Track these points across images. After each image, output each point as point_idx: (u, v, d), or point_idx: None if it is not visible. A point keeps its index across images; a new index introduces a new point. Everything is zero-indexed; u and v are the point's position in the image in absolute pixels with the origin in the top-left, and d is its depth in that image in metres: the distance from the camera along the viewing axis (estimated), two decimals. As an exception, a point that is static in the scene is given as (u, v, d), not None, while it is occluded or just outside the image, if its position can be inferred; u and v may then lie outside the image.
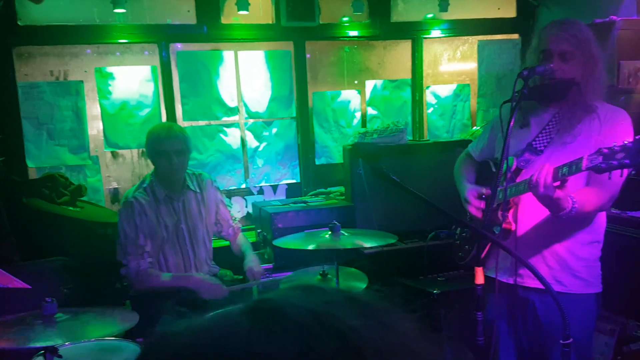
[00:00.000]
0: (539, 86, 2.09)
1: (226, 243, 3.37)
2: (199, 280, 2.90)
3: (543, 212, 2.06)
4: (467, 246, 2.22)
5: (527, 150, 2.14)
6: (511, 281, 2.15)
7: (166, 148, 2.92)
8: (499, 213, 2.10)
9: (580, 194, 1.96)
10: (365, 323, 0.49)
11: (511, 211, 2.11)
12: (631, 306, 2.99)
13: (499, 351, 2.27)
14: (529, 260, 2.04)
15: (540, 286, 1.88)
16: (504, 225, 2.09)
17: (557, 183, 1.86)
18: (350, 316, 0.49)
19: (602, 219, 2.18)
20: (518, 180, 2.11)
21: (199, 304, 2.91)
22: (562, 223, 2.03)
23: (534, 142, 2.15)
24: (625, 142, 1.68)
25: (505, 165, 2.05)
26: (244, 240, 3.31)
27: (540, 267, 2.09)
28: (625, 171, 1.70)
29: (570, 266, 2.12)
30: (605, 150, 1.70)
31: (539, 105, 2.21)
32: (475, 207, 2.25)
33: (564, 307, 1.75)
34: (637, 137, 1.67)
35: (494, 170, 2.21)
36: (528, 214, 2.13)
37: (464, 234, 2.36)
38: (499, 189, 2.06)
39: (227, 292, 2.88)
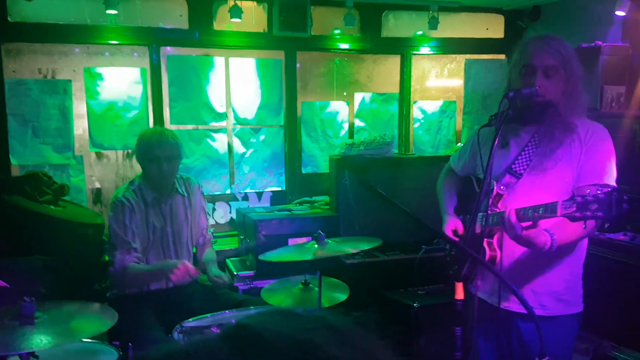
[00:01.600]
0: (519, 108, 2.04)
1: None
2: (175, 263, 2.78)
3: None
4: (456, 266, 2.17)
5: (507, 173, 2.11)
6: (496, 304, 2.13)
7: (157, 154, 2.90)
8: (484, 241, 2.07)
9: (559, 228, 1.91)
10: (344, 351, 0.50)
11: (495, 237, 2.09)
12: (606, 326, 3.04)
13: None
14: (515, 285, 1.95)
15: (524, 310, 1.87)
16: (489, 253, 2.08)
17: (529, 223, 1.84)
18: (329, 343, 0.50)
19: (584, 240, 2.18)
20: (500, 206, 2.09)
21: (176, 307, 2.90)
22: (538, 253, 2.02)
23: (513, 165, 2.11)
24: (598, 192, 1.64)
25: (487, 189, 2.03)
26: (211, 255, 3.23)
27: (526, 292, 2.09)
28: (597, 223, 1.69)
29: (554, 289, 2.11)
30: (579, 199, 1.67)
31: (517, 124, 2.16)
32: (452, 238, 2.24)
33: (547, 329, 1.77)
34: (609, 189, 1.63)
35: (477, 190, 2.17)
36: (511, 241, 2.11)
37: (452, 252, 2.34)
38: (481, 214, 2.04)
39: (196, 275, 2.80)
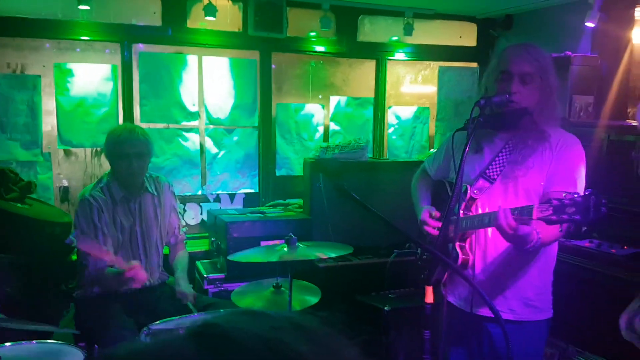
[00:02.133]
0: (491, 115, 2.07)
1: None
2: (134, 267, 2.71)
3: (499, 243, 2.08)
4: (427, 270, 2.19)
5: (481, 177, 2.12)
6: (467, 309, 2.15)
7: (127, 151, 2.85)
8: (457, 245, 2.09)
9: (542, 226, 1.90)
10: (311, 349, 0.50)
11: (468, 241, 2.10)
12: (571, 331, 3.10)
13: None
14: (486, 290, 2.01)
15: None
16: (461, 257, 2.09)
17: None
18: (297, 342, 0.50)
19: (554, 245, 2.20)
20: (473, 209, 2.11)
21: (144, 309, 2.85)
22: (518, 253, 2.04)
23: (487, 170, 2.12)
24: (575, 195, 1.65)
25: (459, 194, 2.04)
26: (181, 257, 3.19)
27: (497, 297, 2.12)
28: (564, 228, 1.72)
29: (524, 295, 2.13)
30: (555, 202, 1.67)
31: (492, 130, 2.18)
32: (432, 227, 2.24)
33: (516, 334, 1.80)
34: (585, 193, 1.63)
35: (450, 194, 2.16)
36: (484, 244, 2.14)
37: (424, 256, 2.35)
38: (454, 217, 2.05)
39: (145, 280, 2.74)
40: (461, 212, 2.09)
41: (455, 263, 2.07)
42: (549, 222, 1.71)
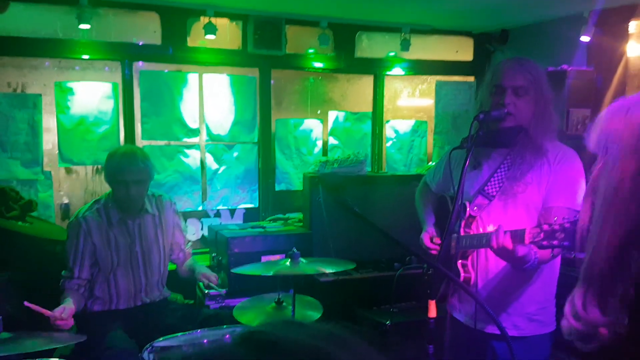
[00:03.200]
0: (487, 133, 2.09)
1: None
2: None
3: (500, 261, 2.07)
4: (433, 285, 2.14)
5: (480, 194, 2.13)
6: (472, 325, 2.14)
7: (125, 178, 2.84)
8: (458, 263, 2.10)
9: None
10: (348, 357, 0.55)
11: (470, 258, 2.11)
12: (572, 343, 3.09)
13: None
14: (489, 306, 2.02)
15: (497, 331, 1.97)
16: (463, 275, 2.10)
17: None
18: (337, 351, 0.54)
19: (556, 259, 2.19)
20: (473, 227, 2.12)
21: (145, 326, 2.85)
22: (519, 270, 2.04)
23: (485, 187, 2.13)
24: (565, 221, 1.67)
25: (459, 210, 2.06)
26: (193, 261, 3.25)
27: (500, 314, 2.12)
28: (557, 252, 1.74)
29: (527, 310, 2.14)
30: (546, 227, 1.70)
31: (489, 147, 2.20)
32: (431, 248, 2.27)
33: (520, 349, 1.82)
34: (575, 218, 1.65)
35: (450, 209, 2.14)
36: (485, 262, 2.14)
37: (429, 271, 2.34)
38: (455, 235, 2.07)
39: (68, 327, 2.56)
40: (462, 229, 2.10)
41: (458, 279, 2.08)
42: (540, 247, 1.75)
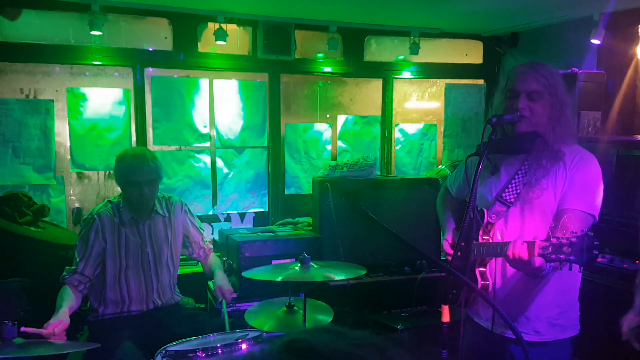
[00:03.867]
0: (504, 139, 2.09)
1: (191, 269, 3.34)
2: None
3: None
4: (455, 290, 2.18)
5: (497, 201, 2.12)
6: (490, 328, 2.13)
7: (137, 179, 2.86)
8: (477, 270, 2.10)
9: None
10: None
11: (488, 266, 2.10)
12: (583, 347, 3.08)
13: None
14: (509, 312, 2.03)
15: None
16: (480, 282, 2.09)
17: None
18: (374, 356, 0.57)
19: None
20: (491, 234, 2.11)
21: (156, 330, 2.86)
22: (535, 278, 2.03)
23: (503, 194, 2.12)
24: (572, 235, 1.69)
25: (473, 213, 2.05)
26: (214, 260, 3.26)
27: (520, 319, 2.12)
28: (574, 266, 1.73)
29: (547, 315, 2.12)
30: (554, 240, 1.72)
31: (506, 154, 2.19)
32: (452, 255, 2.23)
33: (540, 354, 1.86)
34: (582, 233, 1.67)
35: (472, 216, 2.11)
36: (504, 269, 2.13)
37: (451, 277, 2.37)
38: (475, 242, 2.07)
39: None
40: (480, 237, 2.09)
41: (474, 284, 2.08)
42: (548, 260, 1.75)
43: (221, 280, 3.04)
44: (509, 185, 2.11)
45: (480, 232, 2.09)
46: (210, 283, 3.74)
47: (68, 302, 2.69)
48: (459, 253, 2.05)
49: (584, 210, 1.97)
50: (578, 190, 2.01)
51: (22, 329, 2.18)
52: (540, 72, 2.06)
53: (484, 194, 2.16)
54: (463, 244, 2.06)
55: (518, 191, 2.09)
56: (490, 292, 2.09)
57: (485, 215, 2.11)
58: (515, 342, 2.09)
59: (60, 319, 2.53)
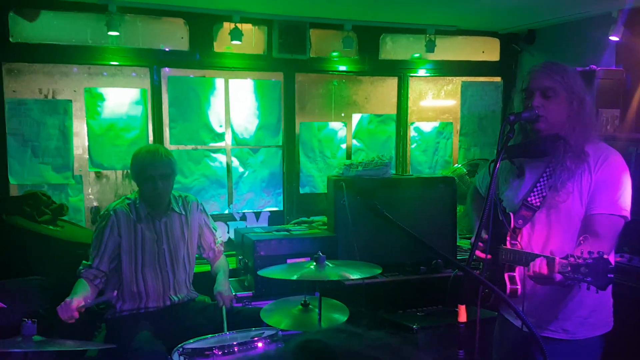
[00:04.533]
0: (525, 143, 2.10)
1: (206, 268, 3.36)
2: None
3: None
4: (487, 289, 2.15)
5: (524, 206, 2.12)
6: (519, 325, 2.15)
7: (151, 173, 2.92)
8: (506, 275, 2.11)
9: None
10: None
11: (517, 271, 2.11)
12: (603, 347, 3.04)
13: None
14: (538, 310, 2.09)
15: (548, 335, 2.08)
16: (509, 287, 2.10)
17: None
18: (389, 357, 0.57)
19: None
20: (519, 239, 2.12)
21: (174, 327, 2.89)
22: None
23: (529, 198, 2.11)
24: (590, 256, 1.71)
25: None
26: (222, 263, 3.28)
27: (550, 319, 2.13)
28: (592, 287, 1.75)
29: (577, 315, 2.12)
30: (572, 260, 1.74)
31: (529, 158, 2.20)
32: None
33: (570, 352, 1.97)
34: (598, 256, 1.70)
35: (500, 218, 2.14)
36: None
37: (487, 274, 2.31)
38: (504, 247, 2.10)
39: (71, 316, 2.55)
40: (508, 242, 2.10)
41: (504, 292, 2.09)
42: (566, 278, 1.78)
43: (222, 286, 3.04)
44: (534, 189, 2.11)
45: (508, 237, 2.10)
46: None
47: (82, 291, 2.77)
48: (489, 256, 2.07)
49: (613, 213, 1.97)
50: (604, 193, 2.00)
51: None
52: (553, 70, 2.06)
53: (511, 197, 2.17)
54: (490, 256, 2.07)
55: (544, 194, 2.09)
56: (520, 295, 2.10)
57: (512, 221, 2.12)
58: (544, 339, 2.09)
59: (73, 298, 2.61)
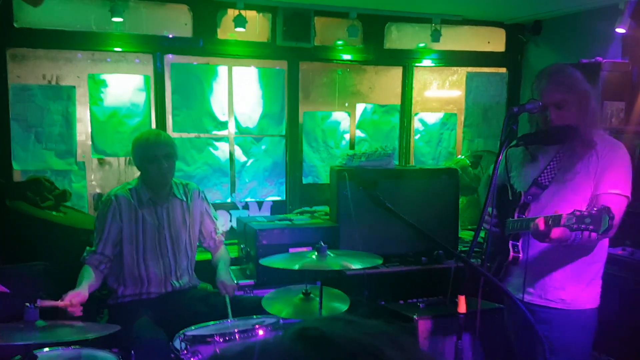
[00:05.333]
0: (540, 132, 2.31)
1: (207, 257, 3.36)
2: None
3: None
4: (488, 263, 2.51)
5: (534, 185, 2.37)
6: (521, 297, 2.38)
7: (156, 153, 2.94)
8: (509, 243, 2.35)
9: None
10: (399, 354, 0.58)
11: (521, 240, 2.36)
12: (605, 340, 3.05)
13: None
14: (539, 281, 2.37)
15: (546, 304, 2.34)
16: (512, 254, 2.35)
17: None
18: (387, 346, 0.57)
19: (603, 241, 2.37)
20: (526, 214, 2.35)
21: (175, 313, 2.90)
22: (567, 248, 2.27)
23: (539, 178, 2.36)
24: (594, 209, 1.92)
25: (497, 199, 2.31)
26: (222, 253, 3.29)
27: (549, 288, 2.36)
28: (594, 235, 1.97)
29: (574, 285, 2.34)
30: (577, 213, 1.95)
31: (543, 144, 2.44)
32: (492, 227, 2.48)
33: (566, 323, 2.27)
34: (600, 207, 1.92)
35: (510, 198, 2.46)
36: (534, 242, 2.33)
37: (484, 250, 2.64)
38: (509, 219, 2.35)
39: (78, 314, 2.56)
40: (516, 215, 2.35)
41: (507, 259, 2.37)
42: (571, 229, 1.99)
43: (224, 276, 3.05)
44: (545, 171, 2.37)
45: (516, 212, 2.36)
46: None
47: (88, 280, 2.80)
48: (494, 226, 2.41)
49: (619, 193, 2.21)
50: (609, 174, 2.23)
51: (39, 302, 2.23)
52: (560, 81, 2.31)
53: (523, 178, 2.43)
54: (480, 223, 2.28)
55: (553, 175, 2.34)
56: (522, 262, 2.36)
57: (522, 197, 2.38)
58: (542, 307, 2.37)
59: (78, 291, 2.64)
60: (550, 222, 2.07)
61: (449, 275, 3.38)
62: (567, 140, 2.28)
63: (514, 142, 2.33)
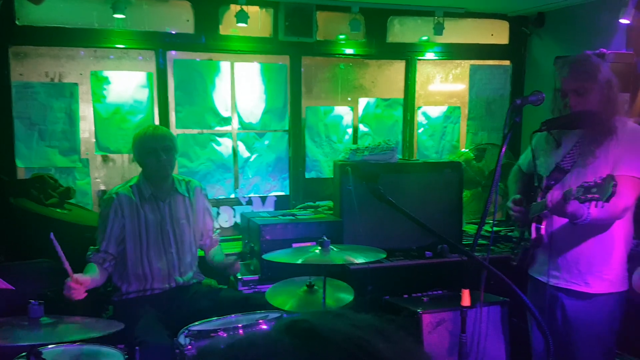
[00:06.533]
0: (562, 117, 2.40)
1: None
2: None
3: (569, 224, 2.35)
4: (516, 250, 2.63)
5: (556, 170, 2.47)
6: (545, 280, 2.48)
7: (153, 145, 2.97)
8: (533, 225, 2.45)
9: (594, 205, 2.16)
10: (388, 347, 0.58)
11: (544, 223, 2.44)
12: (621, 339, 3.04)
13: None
14: (563, 264, 2.45)
15: (570, 287, 2.42)
16: (534, 236, 2.44)
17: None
18: (376, 340, 0.58)
19: (627, 224, 2.44)
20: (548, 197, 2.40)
21: (179, 309, 2.91)
22: (591, 231, 2.35)
23: (561, 162, 2.47)
24: (600, 179, 1.98)
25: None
26: (218, 251, 3.32)
27: (572, 271, 2.44)
28: (600, 203, 2.01)
29: (598, 269, 2.40)
30: (586, 184, 2.02)
31: (567, 130, 2.51)
32: (515, 212, 2.58)
33: (590, 307, 2.35)
34: (606, 176, 1.97)
35: (536, 184, 2.55)
36: (559, 224, 2.43)
37: (515, 240, 2.74)
38: (532, 203, 2.45)
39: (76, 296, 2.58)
40: (538, 198, 2.44)
41: (530, 242, 2.49)
42: (580, 200, 2.04)
43: (227, 260, 3.19)
44: (567, 156, 2.46)
45: (540, 196, 2.45)
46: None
47: (92, 274, 2.83)
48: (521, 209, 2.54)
49: (635, 175, 2.28)
50: (628, 158, 2.30)
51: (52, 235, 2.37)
52: (580, 68, 2.33)
53: (547, 163, 2.53)
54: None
55: (574, 160, 2.42)
56: (546, 245, 2.45)
57: (545, 181, 2.48)
58: (565, 291, 2.46)
59: (86, 276, 2.69)
60: (566, 194, 2.13)
61: (451, 269, 3.45)
62: (588, 125, 2.35)
63: (538, 128, 2.40)
